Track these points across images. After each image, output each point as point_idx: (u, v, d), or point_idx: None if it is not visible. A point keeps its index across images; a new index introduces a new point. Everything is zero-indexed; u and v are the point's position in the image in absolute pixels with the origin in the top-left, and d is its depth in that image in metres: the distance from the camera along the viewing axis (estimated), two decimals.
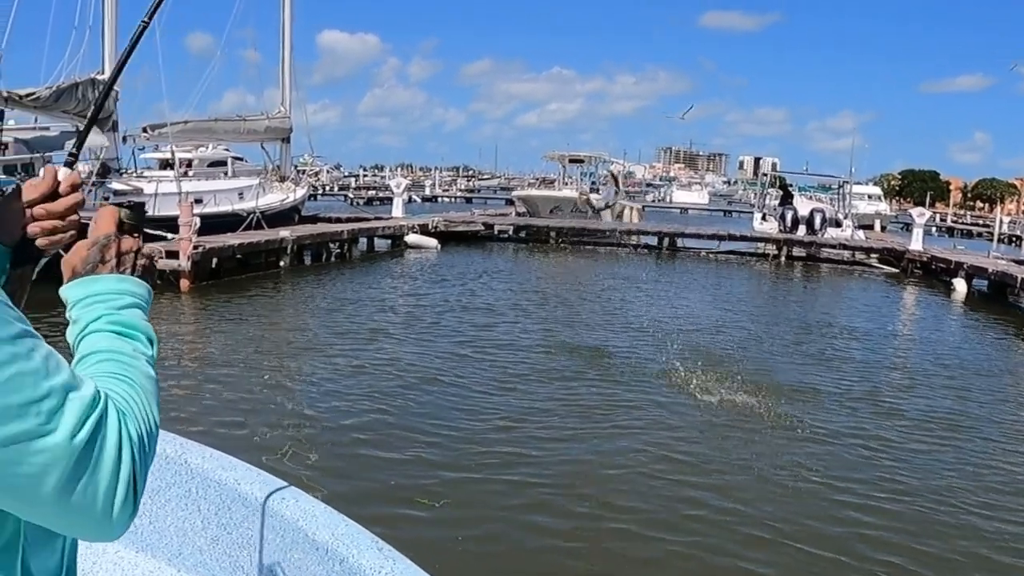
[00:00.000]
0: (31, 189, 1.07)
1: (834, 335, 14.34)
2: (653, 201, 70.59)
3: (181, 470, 2.29)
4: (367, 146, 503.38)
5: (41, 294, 1.28)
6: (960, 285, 21.61)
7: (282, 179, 26.20)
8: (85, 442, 0.77)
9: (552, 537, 5.56)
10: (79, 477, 0.76)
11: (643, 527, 5.74)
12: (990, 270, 21.40)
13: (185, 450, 2.32)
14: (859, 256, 28.60)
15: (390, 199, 35.29)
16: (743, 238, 29.35)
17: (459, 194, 78.15)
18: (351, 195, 63.69)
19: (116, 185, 18.97)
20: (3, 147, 19.29)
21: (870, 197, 53.15)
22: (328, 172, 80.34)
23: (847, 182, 37.24)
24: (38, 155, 19.11)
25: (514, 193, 40.95)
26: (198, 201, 18.88)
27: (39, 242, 1.07)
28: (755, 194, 46.27)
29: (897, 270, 26.01)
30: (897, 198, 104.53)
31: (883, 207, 54.89)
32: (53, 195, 1.08)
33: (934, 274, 24.67)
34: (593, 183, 37.68)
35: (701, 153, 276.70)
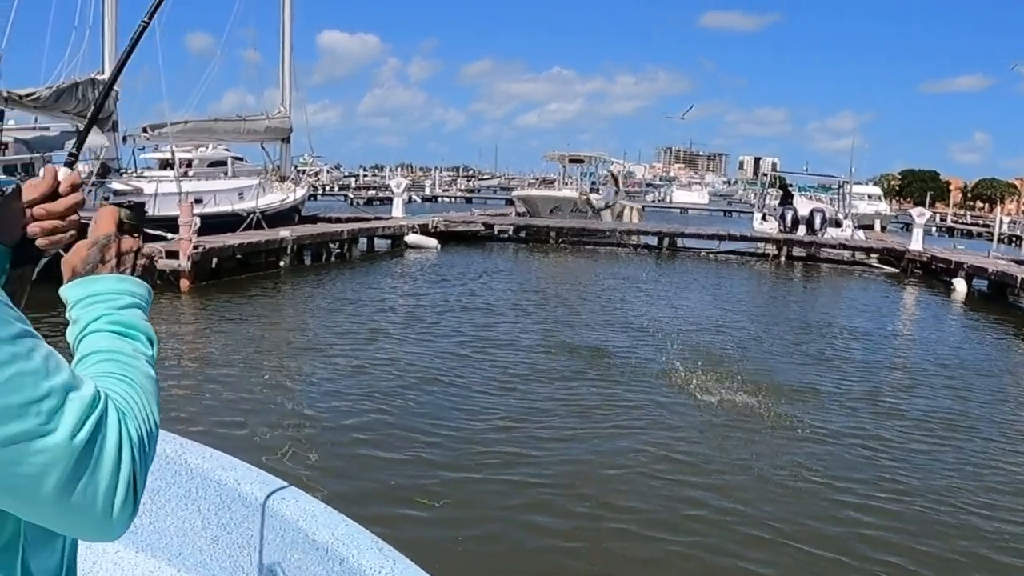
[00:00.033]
0: (31, 189, 1.07)
1: (834, 335, 14.34)
2: (653, 201, 70.62)
3: (181, 470, 2.29)
4: (367, 146, 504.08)
5: (41, 294, 1.28)
6: (960, 285, 21.62)
7: (282, 179, 26.20)
8: (85, 442, 0.77)
9: (552, 537, 5.56)
10: (79, 477, 0.76)
11: (643, 527, 5.74)
12: (990, 270, 21.40)
13: (185, 450, 2.32)
14: (859, 256, 28.60)
15: (390, 199, 35.30)
16: (743, 238, 29.35)
17: (459, 194, 78.15)
18: (351, 195, 63.71)
19: (116, 185, 18.98)
20: (3, 147, 19.29)
21: (870, 197, 53.15)
22: (328, 172, 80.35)
23: (847, 182, 37.23)
24: (38, 155, 19.11)
25: (514, 193, 40.96)
26: (198, 201, 18.88)
27: (39, 242, 1.07)
28: (755, 194, 46.28)
29: (897, 270, 26.01)
30: (897, 198, 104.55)
31: (883, 207, 54.89)
32: (53, 195, 1.08)
33: (934, 274, 24.67)
34: (593, 183, 37.69)
35: (701, 153, 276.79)
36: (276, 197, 24.22)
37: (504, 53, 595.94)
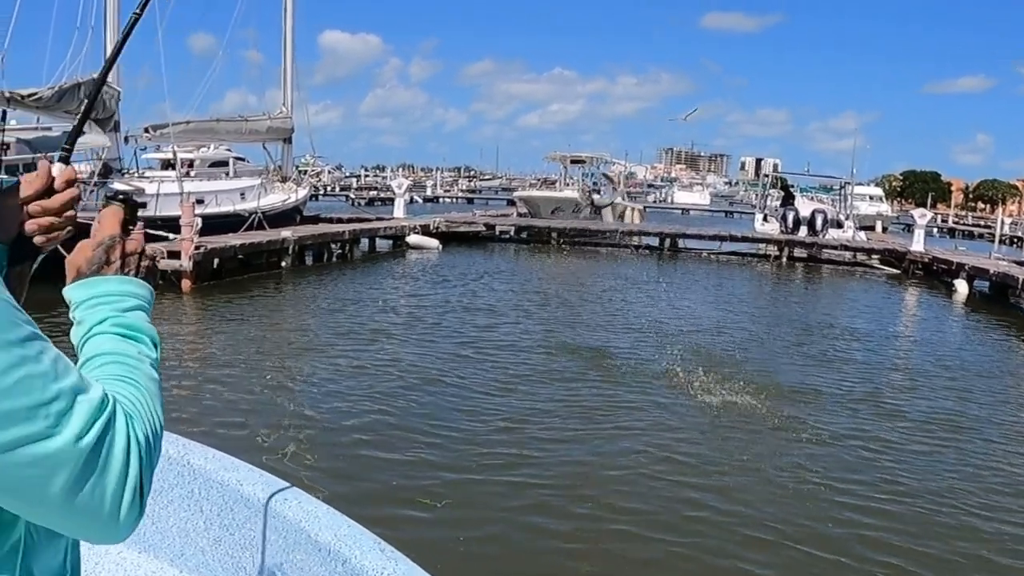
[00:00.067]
0: (26, 186, 1.06)
1: (835, 336, 14.34)
2: (654, 202, 70.45)
3: (184, 471, 2.30)
4: (368, 146, 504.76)
5: (41, 294, 1.28)
6: (961, 286, 21.59)
7: (284, 179, 26.21)
8: (93, 445, 0.77)
9: (553, 538, 5.57)
10: (87, 480, 0.76)
11: (644, 528, 5.74)
12: (991, 271, 21.38)
13: (188, 451, 2.33)
14: (860, 257, 28.59)
15: (391, 199, 35.35)
16: (744, 239, 29.32)
17: (460, 195, 78.12)
18: (352, 195, 63.75)
19: (118, 185, 18.94)
20: (5, 147, 19.30)
21: (872, 198, 53.08)
22: (330, 172, 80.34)
23: (848, 183, 37.16)
24: (40, 155, 19.10)
25: (515, 194, 40.94)
26: (200, 201, 18.90)
27: (36, 239, 1.06)
28: (756, 195, 46.25)
29: (898, 271, 26.00)
30: (899, 199, 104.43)
31: (885, 208, 54.82)
32: (48, 191, 1.07)
33: (935, 275, 24.64)
34: (595, 183, 37.70)
35: (703, 154, 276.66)
36: (278, 197, 24.23)
37: (505, 53, 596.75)
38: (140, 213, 1.12)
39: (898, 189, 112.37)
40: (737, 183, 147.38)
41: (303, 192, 26.53)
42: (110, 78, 19.39)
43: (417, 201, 53.81)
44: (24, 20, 18.78)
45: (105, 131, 19.49)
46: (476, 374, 9.94)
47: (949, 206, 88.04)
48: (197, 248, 15.79)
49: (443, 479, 6.44)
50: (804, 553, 5.44)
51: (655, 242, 30.06)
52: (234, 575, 2.21)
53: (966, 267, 22.19)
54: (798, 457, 7.34)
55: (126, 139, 21.89)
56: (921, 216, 28.42)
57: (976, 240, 45.95)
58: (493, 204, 60.55)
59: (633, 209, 39.15)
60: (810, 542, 5.59)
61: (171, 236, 15.77)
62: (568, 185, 36.46)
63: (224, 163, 27.28)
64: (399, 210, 29.86)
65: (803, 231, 29.53)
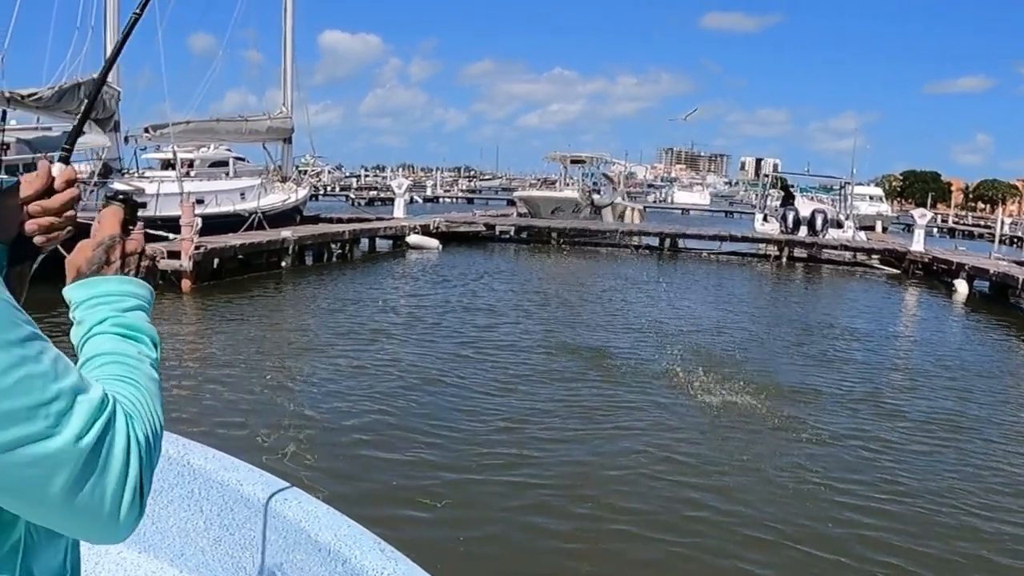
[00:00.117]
0: (26, 185, 1.06)
1: (835, 336, 14.34)
2: (654, 202, 70.45)
3: (184, 471, 2.30)
4: (368, 146, 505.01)
5: (40, 294, 1.28)
6: (961, 286, 21.60)
7: (284, 179, 26.21)
8: (93, 445, 0.77)
9: (553, 538, 5.57)
10: (87, 480, 0.76)
11: (644, 528, 5.74)
12: (991, 271, 21.38)
13: (188, 451, 2.33)
14: (860, 257, 28.59)
15: (391, 200, 35.37)
16: (744, 239, 29.33)
17: (460, 195, 78.11)
18: (352, 195, 63.75)
19: (118, 185, 18.96)
20: (5, 147, 19.30)
21: (872, 198, 53.08)
22: (330, 172, 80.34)
23: (848, 183, 37.17)
24: (40, 155, 19.11)
25: (515, 194, 40.95)
26: (200, 201, 18.90)
27: (36, 239, 1.06)
28: (756, 195, 46.24)
29: (898, 271, 26.00)
30: (899, 199, 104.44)
31: (885, 208, 54.82)
32: (49, 191, 1.07)
33: (935, 275, 24.65)
34: (595, 183, 37.72)
35: (703, 154, 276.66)
36: (278, 197, 24.23)
37: (505, 53, 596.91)
38: (140, 213, 1.11)
39: (898, 189, 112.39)
40: (737, 183, 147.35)
41: (303, 192, 26.53)
42: (110, 78, 19.43)
43: (417, 201, 53.83)
44: (24, 20, 18.82)
45: (105, 131, 19.49)
46: (476, 374, 9.94)
47: (949, 206, 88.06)
48: (197, 248, 15.79)
49: (443, 479, 6.44)
50: (804, 553, 5.44)
51: (655, 242, 30.06)
52: (234, 575, 2.21)
53: (966, 267, 22.19)
54: (798, 457, 7.34)
55: (126, 139, 21.90)
56: (921, 216, 28.42)
57: (976, 240, 45.96)
58: (493, 204, 60.56)
59: (633, 209, 39.16)
60: (810, 542, 5.59)
61: (171, 236, 15.77)
62: (568, 185, 36.48)
63: (224, 163, 27.28)
64: (399, 210, 29.86)
65: (803, 231, 29.53)
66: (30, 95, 17.61)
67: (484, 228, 30.00)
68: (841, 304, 20.02)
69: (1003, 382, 11.77)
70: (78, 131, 1.48)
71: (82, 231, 1.06)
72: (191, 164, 25.57)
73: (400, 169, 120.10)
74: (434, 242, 26.35)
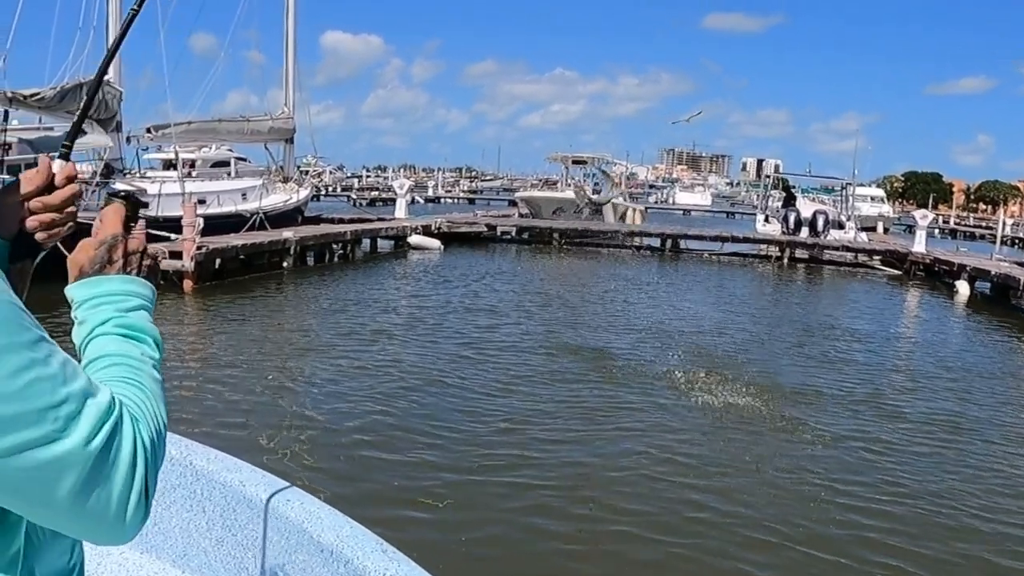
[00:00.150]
0: (26, 182, 1.06)
1: (836, 337, 14.33)
2: (656, 203, 70.42)
3: (186, 472, 2.30)
4: (370, 147, 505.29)
5: (41, 293, 1.28)
6: (963, 287, 21.59)
7: (285, 180, 26.21)
8: (100, 448, 0.77)
9: (554, 539, 5.57)
10: (94, 482, 0.77)
11: (645, 529, 5.74)
12: (993, 272, 21.37)
13: (190, 452, 2.33)
14: (862, 258, 28.57)
15: (393, 200, 35.34)
16: (746, 240, 29.33)
17: (462, 195, 78.15)
18: (354, 196, 63.75)
19: (120, 185, 18.98)
20: (7, 147, 19.32)
21: (873, 199, 53.10)
22: (331, 173, 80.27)
23: (850, 184, 37.14)
24: (42, 155, 19.11)
25: (517, 194, 40.95)
26: (201, 202, 18.92)
27: (37, 236, 1.06)
28: (758, 196, 46.27)
29: (900, 272, 25.99)
30: (900, 200, 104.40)
31: (886, 209, 54.81)
32: (49, 187, 1.07)
33: (937, 276, 24.63)
34: (596, 183, 37.73)
35: (704, 155, 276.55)
36: (279, 198, 24.23)
37: (506, 54, 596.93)
38: (141, 213, 1.12)
39: (899, 190, 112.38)
40: (738, 184, 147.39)
41: (305, 192, 26.54)
42: (112, 78, 19.45)
43: (419, 202, 53.82)
44: (26, 20, 18.80)
45: (107, 131, 19.49)
46: (477, 375, 9.95)
47: (950, 207, 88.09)
48: (199, 248, 15.80)
49: (444, 480, 6.44)
50: (805, 554, 5.44)
51: (656, 243, 30.06)
52: (236, 575, 2.21)
53: (967, 268, 22.18)
54: (799, 458, 7.34)
55: (128, 139, 21.89)
56: (922, 217, 28.40)
57: (977, 241, 45.97)
58: (495, 205, 60.55)
59: (635, 210, 39.15)
60: (811, 543, 5.59)
61: (173, 236, 15.78)
62: (569, 186, 36.50)
63: (226, 163, 27.30)
64: (401, 211, 29.86)
65: (804, 232, 29.53)
66: (32, 95, 17.62)
67: (486, 229, 30.00)
68: (842, 305, 20.00)
69: (1004, 383, 11.75)
70: (78, 127, 1.48)
71: (83, 230, 1.06)
72: (193, 164, 25.60)
73: (402, 169, 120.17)
74: (435, 243, 26.35)
